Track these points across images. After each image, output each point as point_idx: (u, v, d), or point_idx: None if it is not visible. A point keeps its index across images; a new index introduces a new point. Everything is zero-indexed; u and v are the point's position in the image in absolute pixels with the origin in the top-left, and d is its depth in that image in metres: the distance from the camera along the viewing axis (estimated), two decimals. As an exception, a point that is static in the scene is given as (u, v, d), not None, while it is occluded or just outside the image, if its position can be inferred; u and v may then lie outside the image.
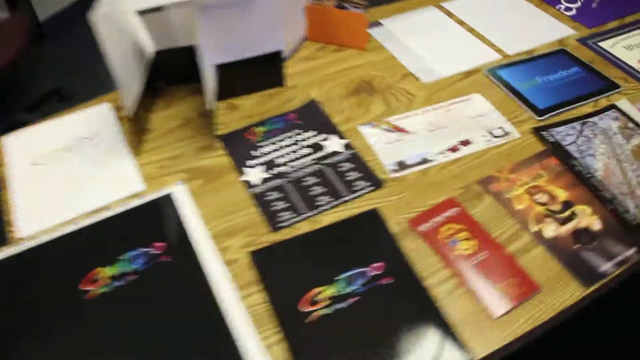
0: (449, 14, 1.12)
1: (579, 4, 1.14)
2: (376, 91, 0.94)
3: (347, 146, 0.84)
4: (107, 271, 0.69)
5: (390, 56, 1.02)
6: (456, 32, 1.07)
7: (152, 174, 0.81)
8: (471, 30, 1.08)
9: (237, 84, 0.92)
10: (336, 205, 0.76)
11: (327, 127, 0.87)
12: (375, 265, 0.68)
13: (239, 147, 0.85)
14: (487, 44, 1.04)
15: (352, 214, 0.75)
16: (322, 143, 0.85)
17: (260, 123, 0.88)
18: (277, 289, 0.67)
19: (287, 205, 0.76)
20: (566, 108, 0.90)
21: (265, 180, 0.79)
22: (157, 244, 0.71)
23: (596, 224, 0.72)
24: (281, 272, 0.68)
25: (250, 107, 0.92)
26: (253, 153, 0.83)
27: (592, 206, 0.74)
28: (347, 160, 0.82)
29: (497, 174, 0.79)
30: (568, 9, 1.13)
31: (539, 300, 0.65)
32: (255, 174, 0.80)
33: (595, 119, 0.88)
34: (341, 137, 0.85)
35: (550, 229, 0.72)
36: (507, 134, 0.86)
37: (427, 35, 1.06)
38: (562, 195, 0.76)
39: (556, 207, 0.74)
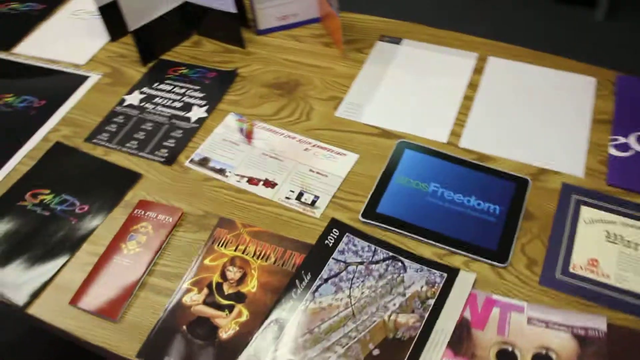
0: (479, 71, 0.87)
1: (648, 150, 0.72)
2: (290, 96, 0.88)
3: (198, 121, 0.86)
4: None
5: (353, 75, 0.89)
6: (449, 92, 0.84)
7: (93, 57, 1.00)
8: (469, 98, 0.83)
9: (205, 27, 0.99)
10: (132, 154, 0.83)
11: (213, 99, 0.89)
12: (84, 204, 0.76)
13: (156, 74, 0.95)
14: (457, 123, 0.80)
15: (132, 167, 0.81)
16: (193, 107, 0.88)
17: (190, 66, 0.96)
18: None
19: (114, 132, 0.86)
20: (401, 232, 0.68)
21: (131, 106, 0.90)
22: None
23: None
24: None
25: (208, 52, 0.99)
26: (156, 85, 0.93)
27: (247, 315, 0.62)
28: (183, 131, 0.85)
29: (241, 225, 0.71)
30: (622, 147, 0.73)
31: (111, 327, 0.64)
32: (134, 98, 0.92)
33: (413, 264, 0.65)
34: (207, 112, 0.87)
35: (188, 297, 0.64)
36: (312, 206, 0.72)
37: (418, 77, 0.87)
38: (250, 286, 0.65)
39: (228, 289, 0.65)
